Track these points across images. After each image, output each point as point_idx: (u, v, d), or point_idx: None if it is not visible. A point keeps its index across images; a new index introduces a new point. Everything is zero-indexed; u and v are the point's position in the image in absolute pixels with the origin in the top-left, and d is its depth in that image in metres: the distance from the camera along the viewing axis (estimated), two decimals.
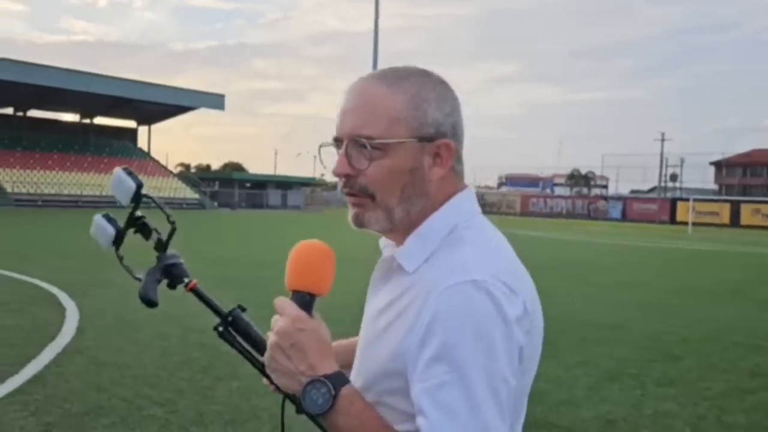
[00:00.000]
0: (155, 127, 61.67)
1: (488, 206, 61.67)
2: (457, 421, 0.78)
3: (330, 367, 0.87)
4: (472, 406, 0.79)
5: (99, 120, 58.25)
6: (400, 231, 0.95)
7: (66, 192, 45.18)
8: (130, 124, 61.53)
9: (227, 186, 62.21)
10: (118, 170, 1.03)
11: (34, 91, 46.83)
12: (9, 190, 42.50)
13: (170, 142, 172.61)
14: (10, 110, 54.46)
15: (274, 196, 64.36)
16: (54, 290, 8.18)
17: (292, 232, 22.63)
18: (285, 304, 0.89)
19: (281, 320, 0.88)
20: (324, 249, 0.94)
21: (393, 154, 0.90)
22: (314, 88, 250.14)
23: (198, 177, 63.54)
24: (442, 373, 0.80)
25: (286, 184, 66.05)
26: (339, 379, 0.86)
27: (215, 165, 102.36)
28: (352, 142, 0.91)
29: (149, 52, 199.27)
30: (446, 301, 0.83)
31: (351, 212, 0.96)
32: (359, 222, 0.95)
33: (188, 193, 53.02)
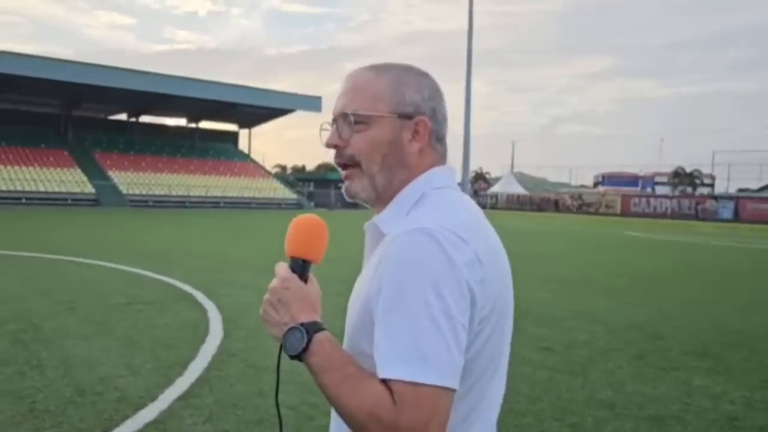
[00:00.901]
0: (254, 129, 63.69)
1: (586, 206, 59.53)
2: (400, 351, 0.86)
3: (308, 318, 1.00)
4: (413, 337, 0.85)
5: (204, 124, 60.89)
6: (385, 202, 1.07)
7: (174, 193, 47.38)
8: (232, 127, 63.93)
9: (323, 186, 63.34)
10: None
11: (145, 97, 49.48)
12: (124, 191, 45.08)
13: (266, 144, 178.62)
14: (123, 116, 57.88)
15: None
16: (189, 289, 8.37)
17: None
18: (280, 267, 1.06)
19: (273, 280, 1.04)
20: (317, 222, 1.09)
21: (374, 127, 1.04)
22: None
23: (295, 178, 65.11)
24: (390, 310, 0.89)
25: None
26: (313, 326, 0.98)
27: (310, 166, 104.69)
28: (340, 118, 1.06)
29: (245, 58, 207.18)
30: (394, 247, 0.92)
31: (344, 186, 1.12)
32: (350, 193, 1.11)
33: (286, 194, 54.37)
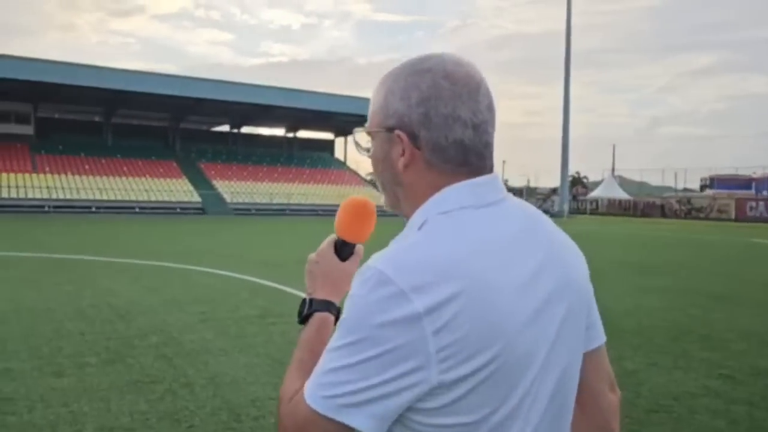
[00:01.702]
0: (341, 138, 64.49)
1: (695, 211, 56.02)
2: (317, 368, 0.87)
3: (323, 294, 1.05)
4: (324, 362, 0.86)
5: (301, 133, 62.28)
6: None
7: (276, 201, 48.58)
8: (328, 136, 65.02)
9: None
10: None
11: (246, 108, 51.12)
12: (228, 200, 46.67)
13: (354, 152, 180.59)
14: (226, 127, 60.14)
15: None
16: None
17: None
18: (325, 241, 1.11)
19: (314, 254, 1.11)
20: (361, 204, 1.11)
21: (374, 144, 1.00)
22: (495, 94, 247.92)
23: None
24: (331, 340, 0.88)
25: None
26: (320, 305, 1.04)
27: None
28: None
29: (336, 68, 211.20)
30: (353, 283, 0.90)
31: None
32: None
33: (381, 201, 54.41)
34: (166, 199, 44.19)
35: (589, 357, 1.02)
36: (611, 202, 65.35)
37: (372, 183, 63.85)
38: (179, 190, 45.90)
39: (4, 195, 39.59)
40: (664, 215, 57.49)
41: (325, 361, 0.86)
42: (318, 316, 1.02)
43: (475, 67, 0.98)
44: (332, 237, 1.11)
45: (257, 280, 9.96)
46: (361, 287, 0.85)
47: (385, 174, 1.00)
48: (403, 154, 0.95)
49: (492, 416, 0.87)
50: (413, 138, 0.94)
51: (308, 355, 0.96)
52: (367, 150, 1.03)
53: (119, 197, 42.83)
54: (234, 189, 48.27)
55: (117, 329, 6.15)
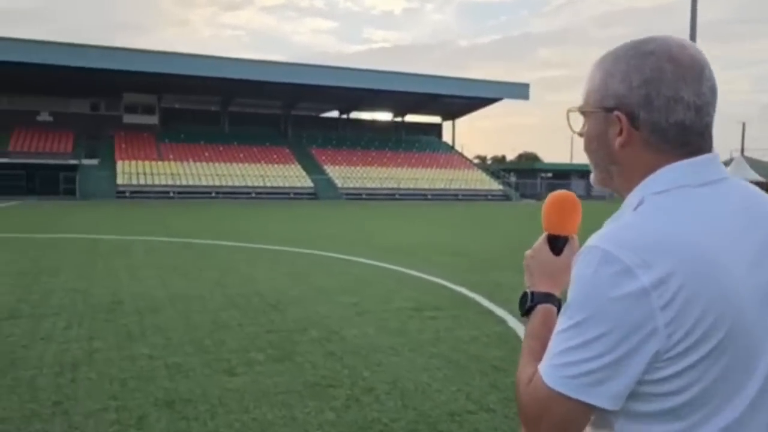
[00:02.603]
0: (449, 121, 63.41)
1: None
2: (550, 350, 0.91)
3: (543, 287, 1.10)
4: (557, 342, 0.90)
5: (408, 117, 61.86)
6: (623, 198, 1.01)
7: (385, 186, 48.52)
8: (435, 119, 64.21)
9: (527, 176, 61.14)
10: None
11: (355, 94, 51.26)
12: (339, 185, 47.11)
13: (461, 136, 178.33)
14: (335, 113, 60.75)
15: (577, 185, 61.52)
16: (465, 292, 7.56)
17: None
18: (540, 238, 1.16)
19: (530, 250, 1.16)
20: (565, 198, 1.14)
21: (589, 122, 1.02)
22: None
23: (499, 168, 63.70)
24: (561, 313, 0.92)
25: (590, 173, 62.66)
26: (542, 297, 1.09)
27: (509, 156, 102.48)
28: (577, 112, 1.06)
29: (438, 51, 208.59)
30: (577, 259, 0.92)
31: None
32: (591, 182, 1.12)
33: (492, 185, 53.17)
34: (280, 184, 45.20)
35: None
36: None
37: (480, 167, 62.52)
38: (292, 175, 46.83)
39: (134, 182, 41.90)
40: None
41: (557, 342, 0.90)
42: (541, 308, 1.08)
43: (699, 49, 0.96)
44: (545, 234, 1.15)
45: (394, 267, 9.48)
46: (587, 267, 0.88)
47: (600, 152, 1.01)
48: (620, 134, 0.96)
49: (726, 405, 0.88)
50: (632, 119, 0.95)
51: (538, 343, 1.00)
52: (580, 129, 1.04)
53: (237, 183, 44.23)
54: (344, 174, 48.66)
55: (273, 321, 5.82)
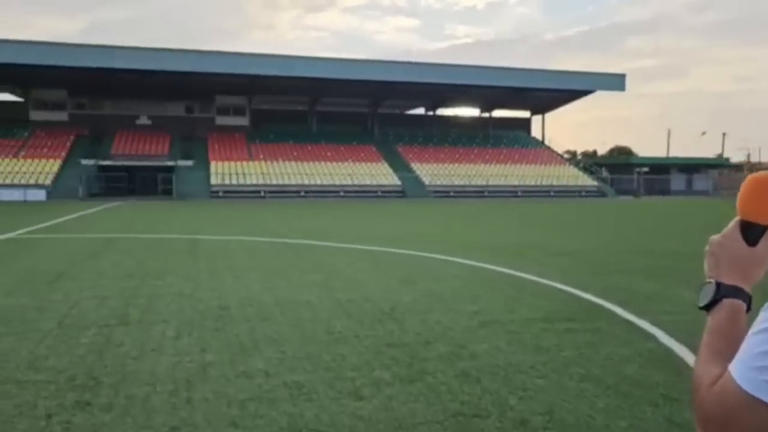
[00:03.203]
0: (537, 116, 61.41)
1: None
2: (731, 369, 0.84)
3: (731, 280, 0.98)
4: (747, 357, 0.82)
5: (496, 113, 60.44)
6: None
7: (473, 183, 47.53)
8: (524, 114, 62.44)
9: (621, 172, 58.29)
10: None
11: (441, 90, 50.48)
12: (427, 182, 46.53)
13: (547, 130, 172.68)
14: (421, 110, 60.20)
15: (677, 180, 58.15)
16: (592, 298, 6.79)
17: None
18: (729, 226, 1.01)
19: (717, 236, 1.02)
20: (761, 181, 0.96)
21: None
22: (696, 61, 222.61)
23: (592, 163, 61.22)
24: (758, 322, 0.85)
25: (691, 167, 59.04)
26: (728, 290, 0.97)
27: (600, 150, 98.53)
28: None
29: (522, 45, 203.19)
30: None
31: None
32: None
33: (586, 181, 51.05)
34: (368, 182, 45.13)
35: None
36: None
37: (572, 162, 60.24)
38: (379, 173, 46.66)
39: (226, 181, 42.96)
40: None
41: (757, 342, 0.83)
42: (728, 303, 0.97)
43: None
44: (737, 219, 1.00)
45: (503, 270, 8.80)
46: None
47: None
48: None
49: None
50: None
51: (723, 342, 0.93)
52: None
53: (324, 182, 44.51)
54: (432, 171, 48.05)
55: (392, 332, 5.30)
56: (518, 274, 8.56)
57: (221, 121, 51.16)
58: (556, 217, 22.67)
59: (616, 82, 51.09)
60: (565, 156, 75.65)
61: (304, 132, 51.98)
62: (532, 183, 48.78)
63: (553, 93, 53.21)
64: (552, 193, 47.51)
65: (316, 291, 7.20)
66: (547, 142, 59.25)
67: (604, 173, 57.57)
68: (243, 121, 51.77)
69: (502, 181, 47.92)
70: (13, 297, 6.76)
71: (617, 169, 59.48)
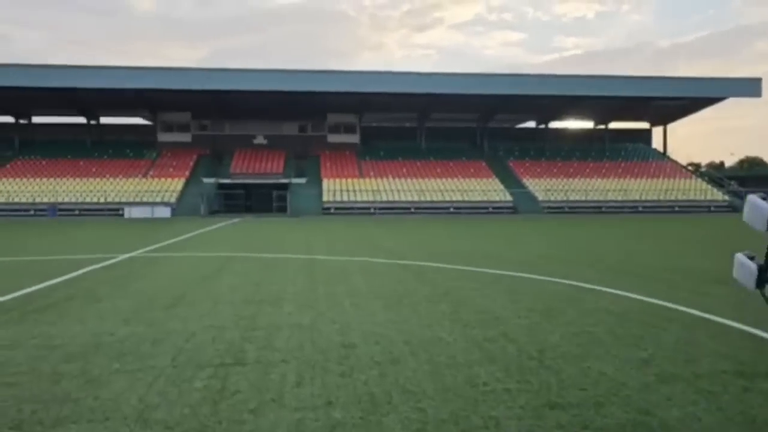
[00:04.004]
0: (658, 127, 57.65)
1: None
2: None
3: None
4: None
5: (612, 125, 57.48)
6: None
7: (590, 198, 45.17)
8: (643, 125, 59.04)
9: (754, 185, 53.33)
10: (751, 197, 1.04)
11: (554, 102, 48.59)
12: (539, 198, 44.71)
13: (675, 140, 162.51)
14: (531, 124, 58.31)
15: None
16: None
17: None
18: None
19: None
20: None
21: None
22: None
23: (722, 176, 56.67)
24: None
25: None
26: None
27: (728, 162, 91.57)
28: None
29: (634, 55, 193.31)
30: None
31: None
32: None
33: (715, 195, 47.13)
34: (478, 198, 44.05)
35: None
36: None
37: (698, 175, 55.97)
38: (490, 189, 45.46)
39: (338, 198, 43.32)
40: None
41: None
42: None
43: None
44: None
45: (658, 302, 7.59)
46: None
47: None
48: None
49: None
50: None
51: None
52: None
53: (435, 198, 43.89)
54: (545, 186, 46.20)
55: (549, 386, 4.38)
56: (679, 308, 7.34)
57: (333, 138, 51.93)
58: (692, 235, 20.61)
59: (751, 87, 46.94)
60: (689, 168, 70.75)
61: (413, 148, 51.67)
62: (655, 198, 45.64)
63: (678, 101, 49.78)
64: (677, 209, 44.19)
65: (446, 325, 6.41)
66: (675, 153, 55.51)
67: (735, 186, 53.02)
68: (354, 138, 52.27)
69: (621, 196, 45.19)
70: (131, 325, 6.46)
71: (750, 182, 54.64)
